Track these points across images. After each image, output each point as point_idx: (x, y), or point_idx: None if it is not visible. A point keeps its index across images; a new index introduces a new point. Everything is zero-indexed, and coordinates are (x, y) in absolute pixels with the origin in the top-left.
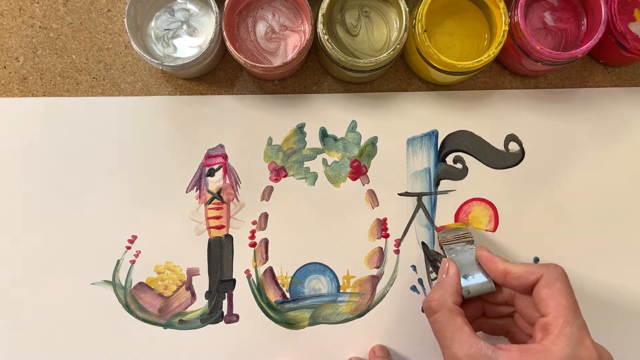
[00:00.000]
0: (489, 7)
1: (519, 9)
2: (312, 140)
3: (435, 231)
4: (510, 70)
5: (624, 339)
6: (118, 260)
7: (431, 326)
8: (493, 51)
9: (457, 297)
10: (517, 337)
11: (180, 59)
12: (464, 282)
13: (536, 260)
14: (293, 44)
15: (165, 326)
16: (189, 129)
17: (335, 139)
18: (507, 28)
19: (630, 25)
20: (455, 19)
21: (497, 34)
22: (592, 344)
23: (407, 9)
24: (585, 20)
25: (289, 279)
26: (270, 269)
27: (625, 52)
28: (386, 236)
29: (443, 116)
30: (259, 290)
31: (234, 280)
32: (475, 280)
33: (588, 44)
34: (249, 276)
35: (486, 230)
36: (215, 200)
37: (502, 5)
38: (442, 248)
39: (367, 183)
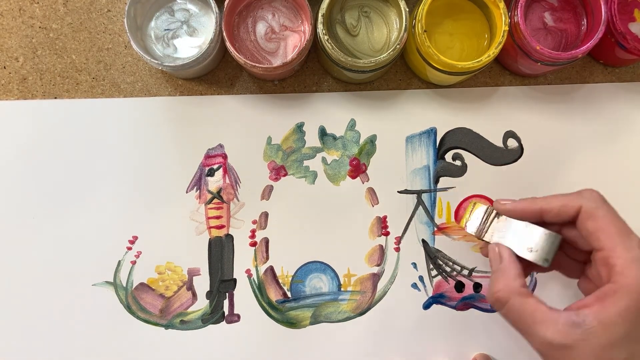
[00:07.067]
0: (489, 7)
1: (519, 9)
2: (312, 139)
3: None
4: (510, 70)
5: None
6: (119, 261)
7: (506, 319)
8: (493, 51)
9: (521, 279)
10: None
11: (180, 59)
12: (531, 256)
13: None
14: (293, 44)
15: (166, 327)
16: (189, 129)
17: (334, 137)
18: (507, 28)
19: (630, 25)
20: (455, 19)
21: (497, 34)
22: None
23: (407, 9)
24: (585, 20)
25: (290, 278)
26: (271, 268)
27: (625, 52)
28: (386, 234)
29: (441, 114)
30: (260, 290)
31: (235, 280)
32: (541, 244)
33: (588, 44)
34: (249, 276)
35: None
36: (215, 200)
37: (502, 5)
38: (481, 239)
39: (367, 181)
